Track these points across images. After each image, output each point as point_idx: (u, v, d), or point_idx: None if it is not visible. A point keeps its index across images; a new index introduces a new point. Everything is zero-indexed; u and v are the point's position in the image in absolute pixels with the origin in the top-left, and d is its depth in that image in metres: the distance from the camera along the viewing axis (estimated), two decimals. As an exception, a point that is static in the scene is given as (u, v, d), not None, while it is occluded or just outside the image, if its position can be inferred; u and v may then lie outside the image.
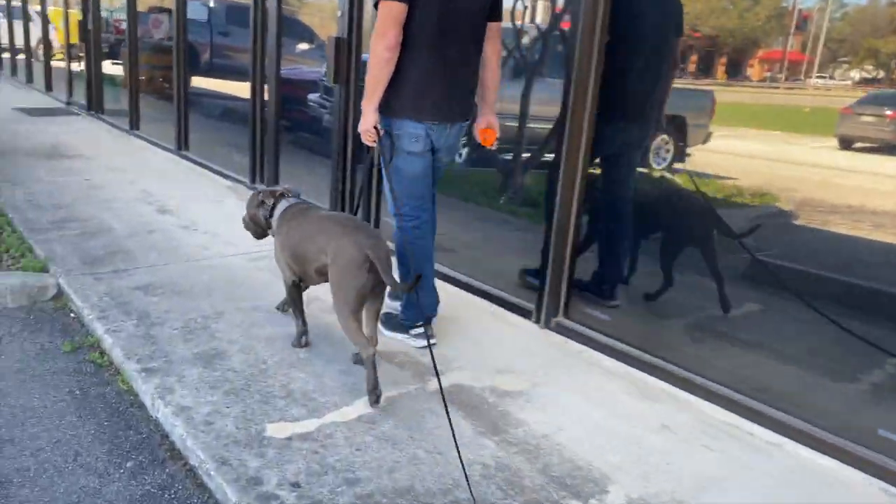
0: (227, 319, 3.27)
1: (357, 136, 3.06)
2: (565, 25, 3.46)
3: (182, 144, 6.90)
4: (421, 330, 3.02)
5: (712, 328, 3.03)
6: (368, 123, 2.79)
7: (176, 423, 2.45)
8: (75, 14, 9.55)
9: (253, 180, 5.75)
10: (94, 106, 9.26)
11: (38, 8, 11.46)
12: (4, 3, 13.32)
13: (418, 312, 3.00)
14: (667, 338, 3.09)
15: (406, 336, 3.11)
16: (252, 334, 3.13)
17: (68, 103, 10.19)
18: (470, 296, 3.75)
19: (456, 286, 3.82)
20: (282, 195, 3.05)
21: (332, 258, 2.64)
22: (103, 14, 9.06)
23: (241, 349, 2.99)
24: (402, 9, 2.63)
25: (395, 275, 2.75)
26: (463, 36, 2.81)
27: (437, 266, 3.32)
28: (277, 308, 3.37)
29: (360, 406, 2.58)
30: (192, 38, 6.95)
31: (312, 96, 5.54)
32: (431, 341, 2.90)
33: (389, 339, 3.13)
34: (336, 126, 4.59)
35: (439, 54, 2.76)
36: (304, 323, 3.05)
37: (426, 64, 2.76)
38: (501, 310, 3.55)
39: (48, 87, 11.19)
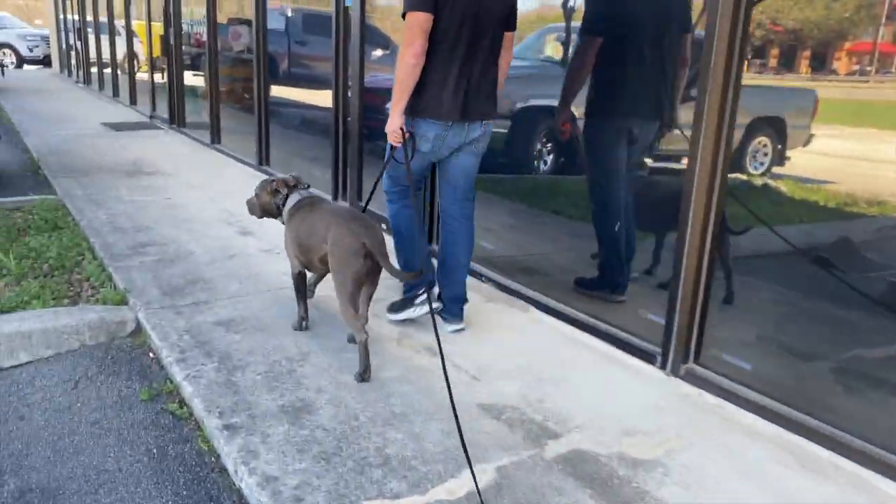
0: (314, 362, 2.98)
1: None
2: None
3: (263, 159, 6.73)
4: (425, 296, 3.24)
5: (875, 375, 2.52)
6: (395, 125, 2.98)
7: (262, 497, 2.14)
8: (158, 27, 9.60)
9: (335, 197, 5.49)
10: (177, 120, 9.26)
11: (124, 22, 11.64)
12: (91, 20, 13.65)
13: (415, 265, 3.25)
14: (821, 390, 2.60)
15: (412, 309, 3.36)
16: (341, 382, 2.82)
17: (151, 117, 10.27)
18: (577, 332, 3.34)
19: (558, 319, 3.43)
20: (294, 186, 3.24)
21: (331, 247, 2.84)
22: (185, 27, 9.06)
23: (329, 400, 2.68)
24: (428, 19, 2.84)
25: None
26: (483, 44, 3.00)
27: (531, 293, 3.38)
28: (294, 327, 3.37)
29: (468, 478, 2.21)
30: (271, 49, 6.77)
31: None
32: (434, 305, 3.19)
33: (397, 322, 3.38)
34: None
35: (460, 60, 2.96)
36: (306, 310, 3.30)
37: (450, 69, 2.95)
38: (618, 352, 3.13)
39: (132, 101, 11.35)
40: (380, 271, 2.85)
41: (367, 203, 3.45)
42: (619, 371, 3.03)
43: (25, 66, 21.29)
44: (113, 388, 2.94)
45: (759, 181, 2.90)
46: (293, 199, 3.16)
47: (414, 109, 3.00)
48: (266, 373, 2.87)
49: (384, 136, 3.05)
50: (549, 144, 4.03)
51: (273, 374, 2.86)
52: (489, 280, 3.90)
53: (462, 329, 3.34)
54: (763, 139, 2.91)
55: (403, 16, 2.89)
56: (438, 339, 2.54)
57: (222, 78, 7.96)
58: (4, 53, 21.37)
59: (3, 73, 14.54)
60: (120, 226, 4.87)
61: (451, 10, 2.88)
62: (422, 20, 2.84)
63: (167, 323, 3.33)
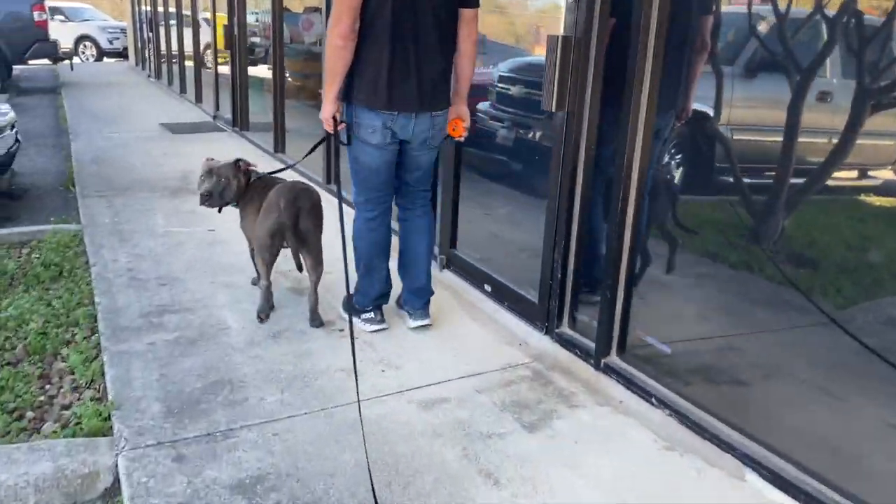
0: None
1: (588, 177, 2.84)
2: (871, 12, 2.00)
3: (332, 176, 5.47)
4: (371, 315, 3.14)
5: None
6: (327, 112, 2.80)
7: None
8: (222, 18, 8.49)
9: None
10: (239, 121, 8.16)
11: (189, 12, 10.66)
12: (161, 10, 12.78)
13: (367, 296, 3.12)
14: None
15: (357, 320, 3.10)
16: None
17: (214, 117, 9.22)
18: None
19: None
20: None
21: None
22: (253, 17, 7.91)
23: None
24: None
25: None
26: (424, 22, 2.72)
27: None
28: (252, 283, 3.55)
29: None
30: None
31: (483, 106, 3.88)
32: (378, 327, 3.13)
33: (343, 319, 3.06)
34: (557, 166, 2.90)
35: (397, 41, 2.69)
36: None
37: (383, 51, 2.70)
38: None
39: (198, 99, 10.36)
40: (308, 229, 3.07)
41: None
42: None
43: (105, 59, 20.95)
44: None
45: None
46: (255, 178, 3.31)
47: (353, 97, 2.80)
48: None
49: (475, 144, 2.94)
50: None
51: None
52: (666, 406, 2.49)
53: (428, 325, 3.18)
54: None
55: None
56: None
57: (291, 75, 6.76)
58: (85, 46, 21.10)
59: (72, 68, 13.93)
60: (140, 276, 3.68)
61: None
62: None
63: (157, 483, 2.07)
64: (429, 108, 2.83)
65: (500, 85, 3.72)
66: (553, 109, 2.80)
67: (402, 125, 2.81)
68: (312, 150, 3.21)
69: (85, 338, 3.04)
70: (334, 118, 2.82)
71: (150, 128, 8.49)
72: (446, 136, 3.02)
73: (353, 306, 3.19)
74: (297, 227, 3.01)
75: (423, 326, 3.17)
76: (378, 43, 2.69)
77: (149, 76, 14.80)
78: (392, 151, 2.90)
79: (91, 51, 21.10)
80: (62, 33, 20.71)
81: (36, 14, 11.43)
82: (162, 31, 12.83)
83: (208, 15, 9.41)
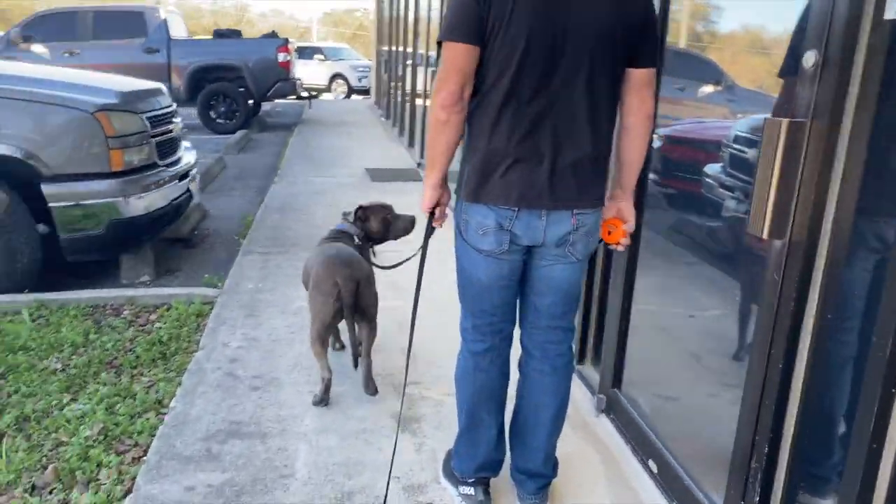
0: None
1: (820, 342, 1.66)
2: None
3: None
4: (471, 491, 2.24)
5: None
6: (427, 203, 2.07)
7: None
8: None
9: (580, 359, 3.18)
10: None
11: (422, 50, 10.51)
12: (401, 49, 12.93)
13: (469, 462, 2.23)
14: None
15: (455, 491, 2.31)
16: None
17: (419, 164, 8.85)
18: None
19: None
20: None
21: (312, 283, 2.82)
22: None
23: None
24: (467, 52, 1.82)
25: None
26: (568, 87, 1.85)
27: None
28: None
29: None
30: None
31: (713, 169, 2.74)
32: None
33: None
34: (768, 324, 1.78)
35: (522, 112, 1.86)
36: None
37: (500, 125, 1.88)
38: None
39: (410, 143, 10.13)
40: (359, 307, 2.79)
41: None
42: None
43: (353, 96, 22.23)
44: None
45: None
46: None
47: (461, 187, 2.00)
48: None
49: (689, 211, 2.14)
50: None
51: None
52: None
53: None
54: None
55: (439, 44, 1.86)
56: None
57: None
58: (337, 83, 22.58)
59: (310, 105, 14.67)
60: (239, 371, 3.13)
61: (506, 32, 1.79)
62: (458, 55, 1.82)
63: None
64: (568, 205, 1.94)
65: (734, 146, 2.62)
66: (765, 235, 1.72)
67: (525, 226, 1.95)
68: (413, 256, 2.41)
69: (127, 464, 2.49)
70: (433, 210, 2.10)
71: (354, 173, 8.31)
72: (599, 242, 2.11)
73: (451, 472, 2.32)
74: (357, 305, 2.77)
75: None
76: (493, 113, 1.89)
77: (381, 116, 15.16)
78: (511, 263, 2.03)
79: (342, 88, 22.52)
80: (319, 71, 22.46)
81: (280, 56, 12.07)
82: (396, 71, 12.99)
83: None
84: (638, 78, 1.92)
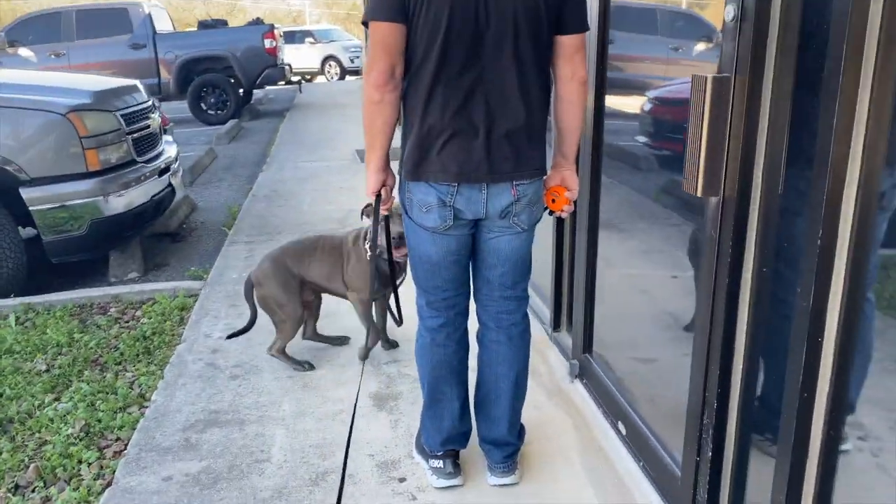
0: None
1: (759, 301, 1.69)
2: None
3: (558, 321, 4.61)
4: (439, 464, 2.25)
5: None
6: (372, 187, 2.08)
7: None
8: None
9: (555, 327, 3.19)
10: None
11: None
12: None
13: (435, 435, 2.26)
14: None
15: (426, 465, 2.32)
16: None
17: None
18: None
19: None
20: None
21: None
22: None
23: None
24: (392, 30, 1.81)
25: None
26: (496, 58, 1.85)
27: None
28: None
29: None
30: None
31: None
32: (448, 482, 2.25)
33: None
34: (708, 287, 1.79)
35: (453, 87, 1.85)
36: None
37: (432, 101, 1.86)
38: None
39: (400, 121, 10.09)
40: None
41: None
42: None
43: (347, 77, 22.12)
44: None
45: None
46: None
47: (401, 166, 2.01)
48: None
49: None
50: None
51: None
52: None
53: (511, 484, 2.24)
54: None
55: (365, 24, 1.85)
56: None
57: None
58: (330, 66, 22.46)
59: (300, 90, 14.62)
60: (220, 361, 3.18)
61: (428, 8, 1.79)
62: (384, 34, 1.81)
63: None
64: (507, 177, 1.94)
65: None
66: (699, 193, 1.71)
67: (466, 200, 1.96)
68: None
69: (108, 458, 2.54)
70: (378, 195, 2.11)
71: (344, 155, 8.31)
72: (545, 210, 2.11)
73: (422, 447, 2.36)
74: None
75: (505, 485, 2.23)
76: (425, 90, 1.88)
77: (373, 95, 15.08)
78: (459, 238, 2.05)
79: (335, 70, 22.40)
80: (311, 54, 22.33)
81: (267, 42, 12.02)
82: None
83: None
84: (567, 44, 1.91)
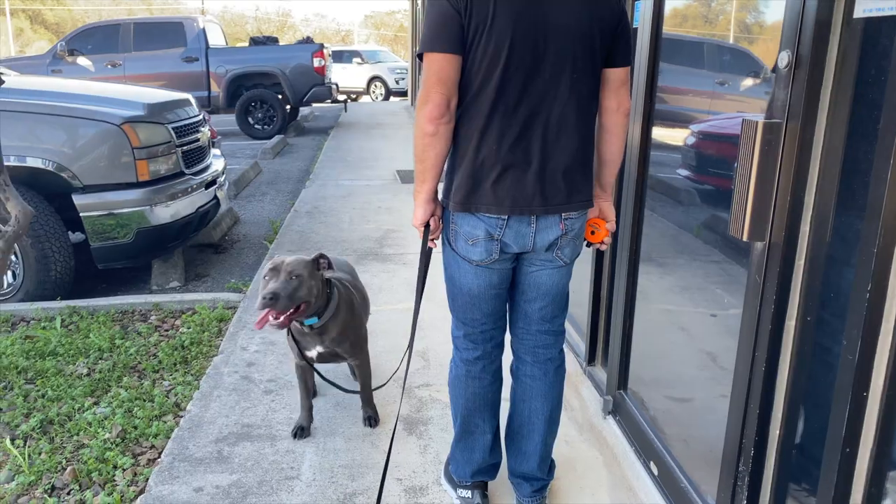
0: None
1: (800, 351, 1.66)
2: None
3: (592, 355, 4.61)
4: (468, 494, 2.26)
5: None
6: (419, 219, 2.02)
7: None
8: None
9: (590, 361, 3.17)
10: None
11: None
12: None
13: (465, 467, 2.26)
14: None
15: (454, 494, 2.32)
16: None
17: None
18: None
19: None
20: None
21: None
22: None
23: None
24: (449, 62, 1.82)
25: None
26: (552, 89, 1.85)
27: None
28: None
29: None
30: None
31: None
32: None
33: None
34: (750, 329, 1.76)
35: (509, 117, 1.86)
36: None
37: (488, 131, 1.87)
38: None
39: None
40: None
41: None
42: None
43: (392, 98, 22.38)
44: None
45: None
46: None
47: (449, 197, 1.96)
48: None
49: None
50: None
51: None
52: None
53: None
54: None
55: (419, 56, 1.85)
56: None
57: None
58: (375, 86, 22.77)
59: (346, 109, 14.83)
60: (254, 374, 3.22)
61: (487, 39, 1.79)
62: (440, 66, 1.80)
63: None
64: (558, 209, 1.94)
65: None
66: (745, 237, 1.70)
67: (515, 234, 1.95)
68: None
69: (142, 465, 2.58)
70: (427, 225, 2.06)
71: (385, 175, 8.39)
72: (584, 242, 2.11)
73: (451, 475, 2.35)
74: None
75: None
76: (481, 120, 1.87)
77: (416, 116, 15.24)
78: (501, 272, 2.04)
79: (380, 90, 22.69)
80: (358, 75, 22.68)
81: (316, 61, 12.25)
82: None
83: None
84: (615, 77, 1.93)
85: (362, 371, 2.79)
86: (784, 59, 1.59)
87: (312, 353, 2.64)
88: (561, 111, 1.88)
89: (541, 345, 2.16)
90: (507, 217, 1.92)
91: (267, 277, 2.40)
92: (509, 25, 1.79)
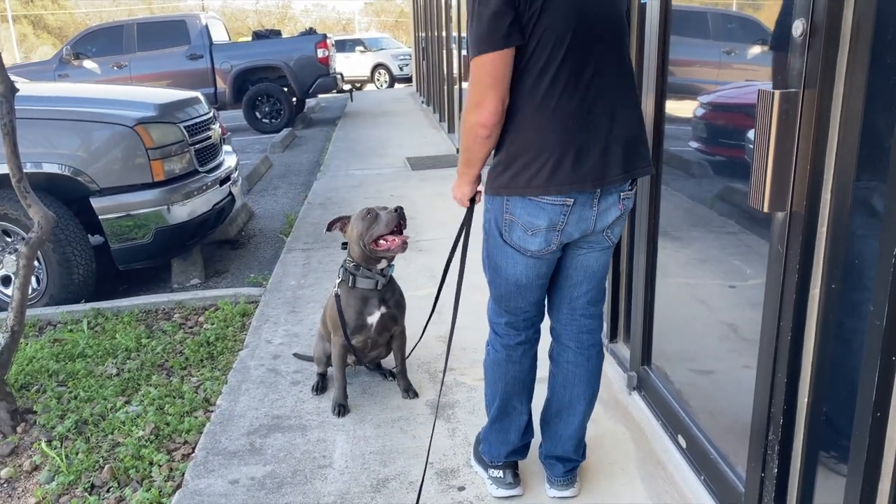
0: None
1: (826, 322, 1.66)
2: None
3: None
4: (500, 473, 2.28)
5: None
6: (466, 195, 2.05)
7: None
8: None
9: (612, 337, 3.18)
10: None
11: (455, 33, 10.50)
12: (436, 35, 12.94)
13: (499, 448, 2.27)
14: None
15: (485, 474, 2.35)
16: None
17: (458, 150, 8.87)
18: None
19: None
20: None
21: None
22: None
23: None
24: (506, 59, 1.75)
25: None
26: (608, 65, 1.85)
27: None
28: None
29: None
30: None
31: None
32: (508, 493, 2.27)
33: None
34: (774, 301, 1.77)
35: (574, 99, 1.81)
36: None
37: (555, 115, 1.80)
38: None
39: (450, 129, 10.16)
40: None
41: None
42: None
43: (396, 85, 22.33)
44: None
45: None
46: None
47: (508, 185, 1.87)
48: None
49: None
50: None
51: None
52: None
53: (570, 497, 2.26)
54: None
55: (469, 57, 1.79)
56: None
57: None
58: (379, 73, 22.71)
59: (352, 98, 14.81)
60: (281, 367, 3.26)
61: (549, 21, 1.74)
62: (497, 65, 1.74)
63: None
64: (619, 184, 1.91)
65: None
66: (766, 209, 1.71)
67: (578, 219, 1.90)
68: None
69: (177, 461, 2.63)
70: (472, 200, 2.10)
71: (395, 163, 8.41)
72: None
73: (481, 456, 2.38)
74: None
75: (565, 498, 2.25)
76: (542, 104, 1.80)
77: (422, 102, 15.22)
78: (550, 262, 2.02)
79: (384, 77, 22.64)
80: (361, 63, 22.62)
81: (319, 52, 12.24)
82: (433, 56, 13.01)
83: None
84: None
85: (402, 341, 2.95)
86: (799, 27, 1.58)
87: (374, 318, 2.78)
88: (618, 90, 1.87)
89: (585, 330, 2.16)
90: (572, 202, 1.87)
91: (370, 215, 2.69)
92: (566, 8, 1.75)
